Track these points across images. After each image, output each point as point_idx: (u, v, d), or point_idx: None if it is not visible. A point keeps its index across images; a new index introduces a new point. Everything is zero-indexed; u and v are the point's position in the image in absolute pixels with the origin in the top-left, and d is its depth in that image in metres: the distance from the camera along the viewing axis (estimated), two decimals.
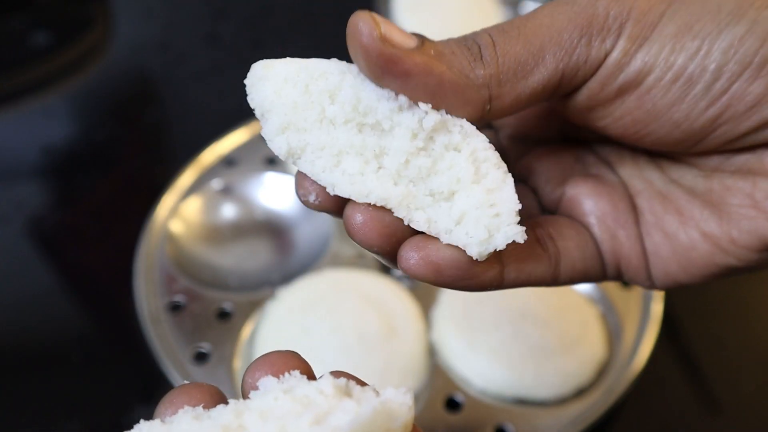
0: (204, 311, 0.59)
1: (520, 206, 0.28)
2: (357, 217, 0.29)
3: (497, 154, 0.29)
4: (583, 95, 0.30)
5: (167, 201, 0.66)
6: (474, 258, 0.28)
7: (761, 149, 0.29)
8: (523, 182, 0.36)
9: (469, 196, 0.29)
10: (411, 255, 0.29)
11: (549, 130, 0.36)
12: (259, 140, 0.71)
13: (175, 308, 0.60)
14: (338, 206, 0.30)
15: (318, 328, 0.56)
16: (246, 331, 0.59)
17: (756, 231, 0.29)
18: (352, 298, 0.58)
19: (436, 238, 0.29)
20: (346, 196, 0.29)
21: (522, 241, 0.28)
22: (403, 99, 0.28)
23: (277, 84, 0.29)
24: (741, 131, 0.28)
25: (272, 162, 0.70)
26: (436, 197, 0.29)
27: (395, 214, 0.29)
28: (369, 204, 0.29)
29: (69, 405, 0.57)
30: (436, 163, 0.29)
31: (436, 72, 0.27)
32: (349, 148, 0.29)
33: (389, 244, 0.29)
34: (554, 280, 0.32)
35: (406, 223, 0.29)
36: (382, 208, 0.29)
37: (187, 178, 0.68)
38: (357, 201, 0.29)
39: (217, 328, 0.58)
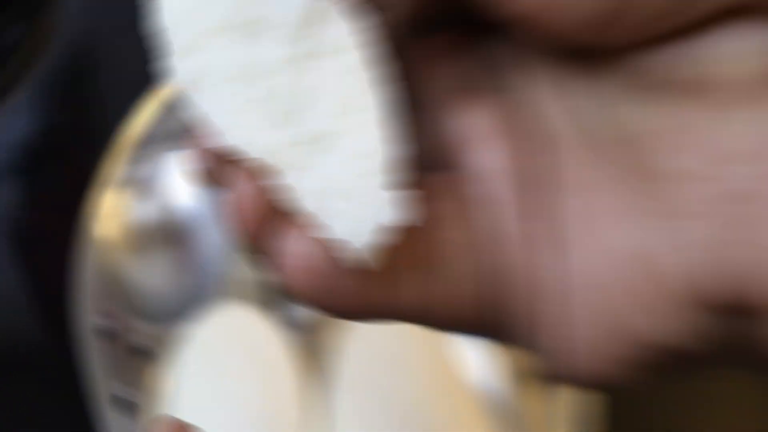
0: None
1: (401, 179, 0.18)
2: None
3: (369, 69, 0.18)
4: None
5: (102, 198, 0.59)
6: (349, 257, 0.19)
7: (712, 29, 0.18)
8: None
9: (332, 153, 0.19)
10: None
11: (448, 7, 0.23)
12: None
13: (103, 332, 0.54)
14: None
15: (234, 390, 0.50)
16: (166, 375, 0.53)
17: None
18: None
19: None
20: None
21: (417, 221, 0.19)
22: None
23: None
24: None
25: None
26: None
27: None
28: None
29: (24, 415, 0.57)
30: (298, 82, 0.19)
31: None
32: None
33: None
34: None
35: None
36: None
37: (113, 168, 0.59)
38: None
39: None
